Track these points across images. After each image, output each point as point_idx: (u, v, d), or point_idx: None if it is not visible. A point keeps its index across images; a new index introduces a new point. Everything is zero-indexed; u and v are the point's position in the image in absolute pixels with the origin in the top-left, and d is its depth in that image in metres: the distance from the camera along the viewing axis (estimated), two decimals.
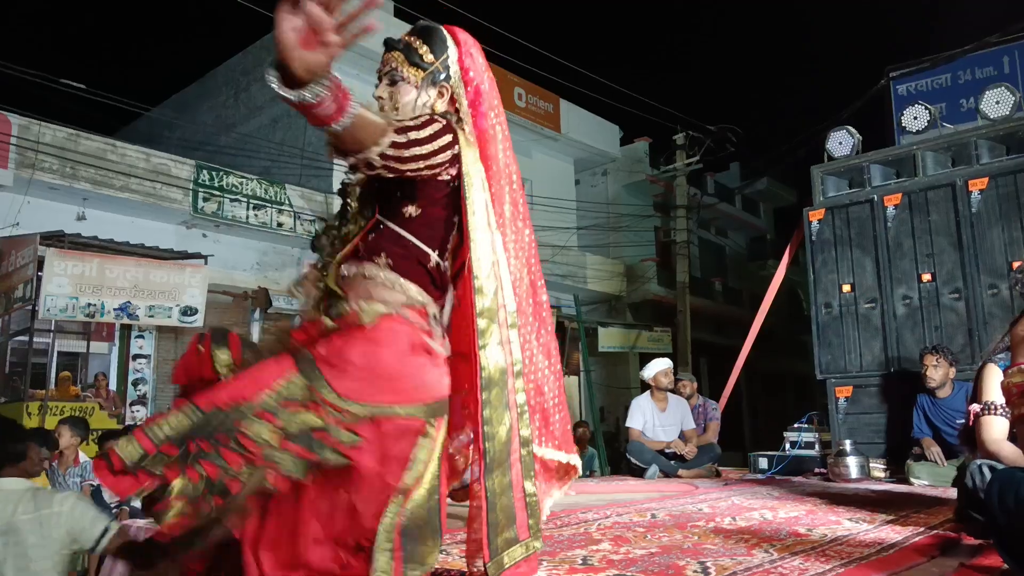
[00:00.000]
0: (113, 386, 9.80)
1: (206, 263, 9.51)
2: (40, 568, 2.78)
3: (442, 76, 1.87)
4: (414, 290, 1.70)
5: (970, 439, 2.70)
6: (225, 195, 10.96)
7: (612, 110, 17.60)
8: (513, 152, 2.06)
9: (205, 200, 10.76)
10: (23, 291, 8.41)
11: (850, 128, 6.23)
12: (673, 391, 6.13)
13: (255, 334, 11.84)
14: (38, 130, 9.44)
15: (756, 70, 50.56)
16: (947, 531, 2.72)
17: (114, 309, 8.34)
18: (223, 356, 1.62)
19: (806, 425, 5.88)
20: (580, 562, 2.24)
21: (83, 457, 5.58)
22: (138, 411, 9.96)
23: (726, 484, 5.09)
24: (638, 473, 5.66)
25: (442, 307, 1.81)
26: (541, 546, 1.85)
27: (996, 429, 2.53)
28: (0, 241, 9.08)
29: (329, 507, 1.46)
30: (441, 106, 1.87)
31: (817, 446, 5.73)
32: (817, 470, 5.56)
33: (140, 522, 3.07)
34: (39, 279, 8.03)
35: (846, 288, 5.88)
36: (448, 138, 1.71)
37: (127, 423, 8.52)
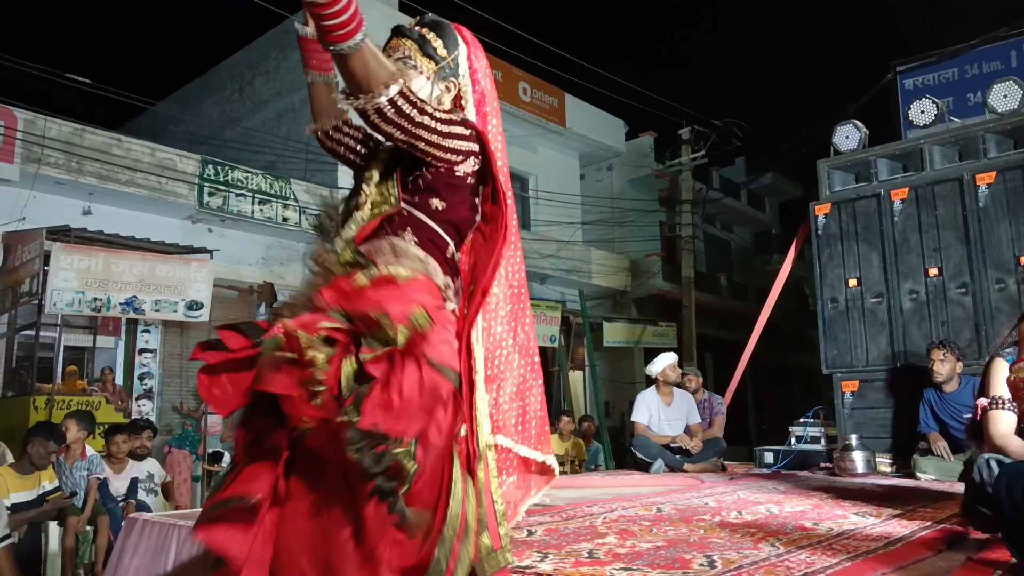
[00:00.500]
0: (119, 380, 9.82)
1: (212, 257, 9.51)
2: None
3: (451, 72, 1.87)
4: (437, 269, 1.70)
5: (977, 433, 2.69)
6: (230, 190, 10.96)
7: (617, 105, 17.56)
8: (507, 156, 2.07)
9: (210, 195, 10.76)
10: (29, 285, 8.43)
11: (856, 122, 6.20)
12: (679, 385, 6.12)
13: None
14: (44, 125, 9.45)
15: (761, 64, 50.41)
16: (954, 525, 2.72)
17: (120, 303, 8.36)
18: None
19: (812, 420, 5.87)
20: (586, 555, 2.24)
21: (90, 451, 5.60)
22: (144, 405, 9.98)
23: (732, 478, 5.09)
24: (643, 467, 5.67)
25: (455, 293, 1.81)
26: (513, 563, 1.79)
27: (1004, 423, 2.52)
28: (6, 236, 9.10)
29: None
30: (447, 102, 1.87)
31: (823, 441, 5.72)
32: (823, 464, 5.55)
33: (146, 515, 3.08)
34: (45, 274, 8.05)
35: (852, 283, 5.86)
36: (466, 132, 1.73)
37: (133, 417, 8.55)
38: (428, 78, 1.83)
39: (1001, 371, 2.61)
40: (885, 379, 5.62)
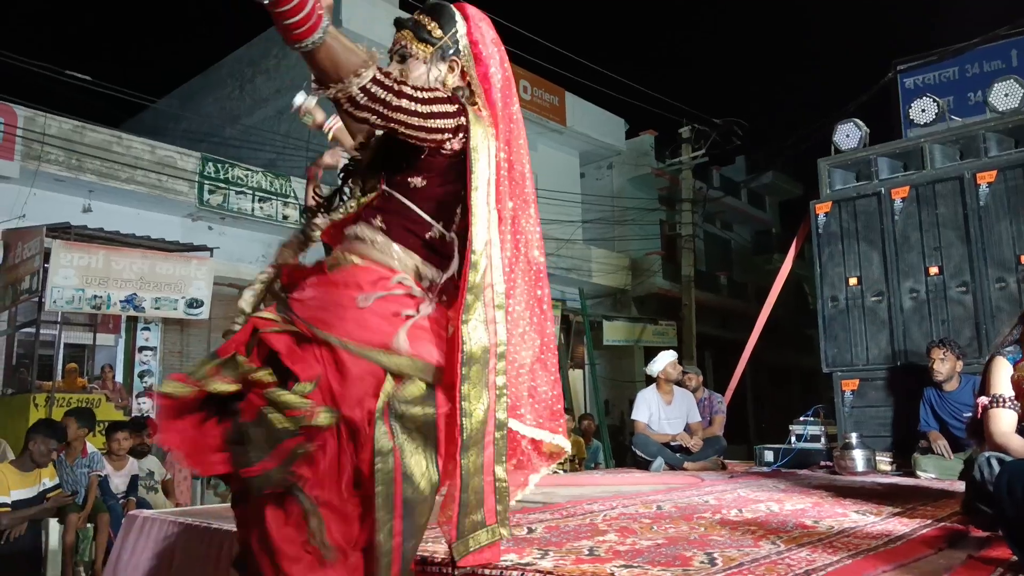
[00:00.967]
0: (119, 378, 9.82)
1: (212, 255, 9.51)
2: None
3: (451, 51, 1.86)
4: (402, 254, 1.73)
5: (978, 432, 2.69)
6: (231, 187, 10.96)
7: (618, 103, 17.53)
8: (525, 133, 2.04)
9: (211, 192, 10.77)
10: (30, 283, 8.42)
11: (857, 121, 6.20)
12: (680, 383, 6.12)
13: None
14: (44, 122, 9.45)
15: (762, 63, 50.40)
16: (954, 523, 2.72)
17: (120, 301, 8.36)
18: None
19: (812, 418, 5.86)
20: (586, 552, 2.24)
21: (91, 448, 5.60)
22: (144, 403, 9.98)
23: (732, 477, 5.09)
24: (643, 466, 5.67)
25: (443, 276, 1.79)
26: (508, 534, 1.83)
27: (1004, 422, 2.52)
28: (7, 233, 9.09)
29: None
30: (453, 80, 1.87)
31: (823, 439, 5.72)
32: (823, 463, 5.55)
33: (147, 512, 3.08)
34: (45, 271, 8.04)
35: (853, 281, 5.86)
36: (451, 108, 1.71)
37: (133, 415, 8.54)
38: (425, 62, 1.83)
39: (1002, 369, 2.61)
40: (885, 378, 5.62)
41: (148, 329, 10.49)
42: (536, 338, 2.06)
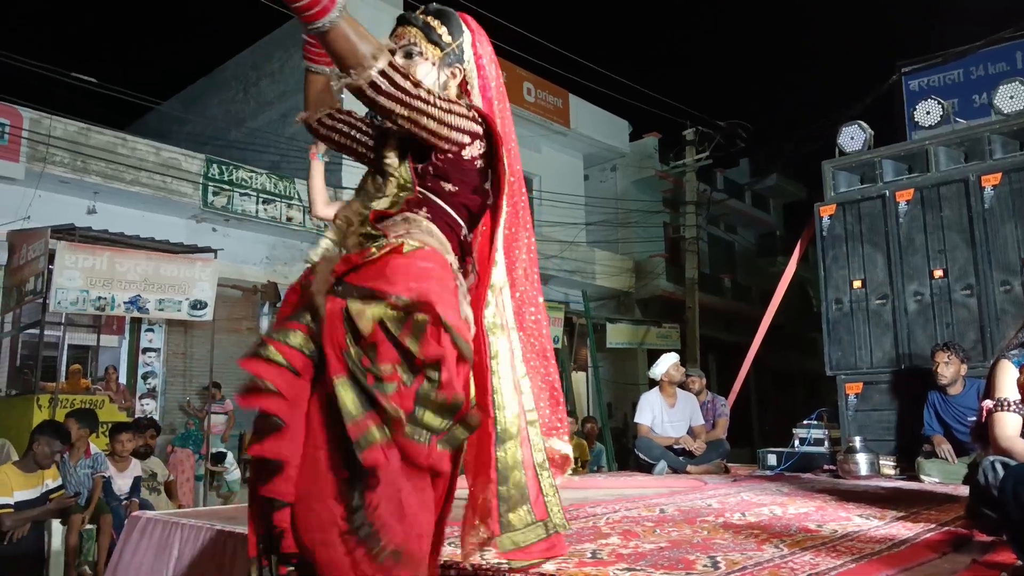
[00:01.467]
0: (123, 379, 9.84)
1: (216, 257, 9.52)
2: None
3: (456, 59, 1.87)
4: (448, 246, 1.72)
5: (982, 436, 2.68)
6: (235, 189, 10.98)
7: (622, 105, 17.56)
8: (517, 148, 2.06)
9: (215, 194, 10.78)
10: (34, 284, 8.44)
11: (862, 123, 6.19)
12: (683, 386, 6.11)
13: (264, 328, 11.89)
14: (49, 124, 9.48)
15: (766, 66, 50.33)
16: (959, 528, 2.70)
17: (124, 302, 8.37)
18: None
19: (815, 422, 5.85)
20: (589, 555, 2.23)
21: (94, 449, 5.61)
22: (147, 404, 10.00)
23: (735, 480, 5.08)
24: (646, 469, 5.65)
25: (465, 275, 1.81)
26: (566, 527, 1.84)
27: (1009, 426, 2.51)
28: (11, 234, 9.11)
29: None
30: (454, 87, 1.88)
31: (826, 443, 5.70)
32: (826, 467, 5.54)
33: (149, 513, 3.08)
34: (50, 272, 8.05)
35: (857, 284, 5.85)
36: (467, 112, 1.73)
37: (136, 416, 8.56)
38: (433, 64, 1.83)
39: (1007, 373, 2.60)
40: (889, 381, 5.60)
41: (152, 331, 10.51)
42: (536, 359, 2.07)
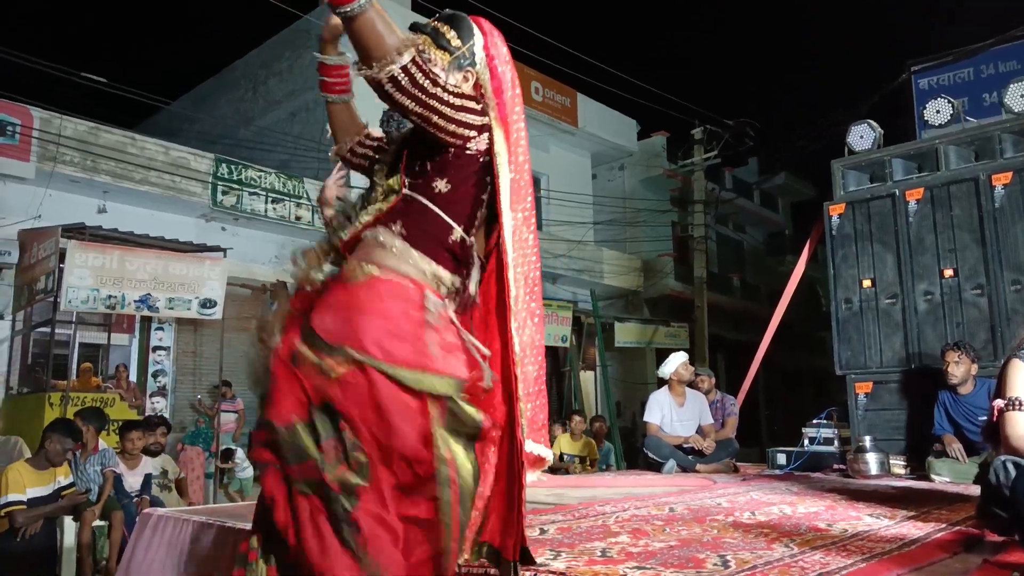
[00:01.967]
0: (133, 377, 9.89)
1: (225, 256, 9.56)
2: None
3: (467, 62, 1.87)
4: (420, 260, 1.71)
5: (993, 435, 2.67)
6: (244, 188, 11.02)
7: (629, 104, 17.53)
8: (528, 151, 2.05)
9: (224, 193, 10.82)
10: (45, 283, 8.49)
11: (871, 122, 6.16)
12: (692, 385, 6.10)
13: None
14: (59, 123, 9.53)
15: (774, 65, 50.19)
16: (970, 527, 2.69)
17: (134, 301, 8.41)
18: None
19: (825, 421, 5.83)
20: (599, 554, 2.24)
21: (102, 444, 5.65)
22: (158, 402, 10.04)
23: (744, 479, 5.07)
24: (655, 468, 5.65)
25: (464, 282, 1.80)
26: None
27: (1021, 425, 2.49)
28: (22, 233, 9.17)
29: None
30: (467, 90, 1.87)
31: (836, 442, 5.68)
32: (836, 466, 5.52)
33: (161, 510, 3.10)
34: (61, 271, 8.10)
35: (866, 283, 5.83)
36: (476, 106, 1.75)
37: (147, 414, 8.60)
38: (443, 69, 1.83)
39: (1018, 372, 2.59)
40: (899, 381, 5.59)
41: (162, 329, 10.56)
42: (531, 353, 2.07)
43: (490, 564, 1.77)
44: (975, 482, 3.85)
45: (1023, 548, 2.06)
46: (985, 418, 3.60)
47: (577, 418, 9.18)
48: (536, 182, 15.98)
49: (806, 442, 5.74)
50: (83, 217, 8.98)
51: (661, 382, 6.14)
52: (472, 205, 1.79)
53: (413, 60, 1.59)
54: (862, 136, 6.14)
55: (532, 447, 2.04)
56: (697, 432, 5.86)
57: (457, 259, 1.78)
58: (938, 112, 5.99)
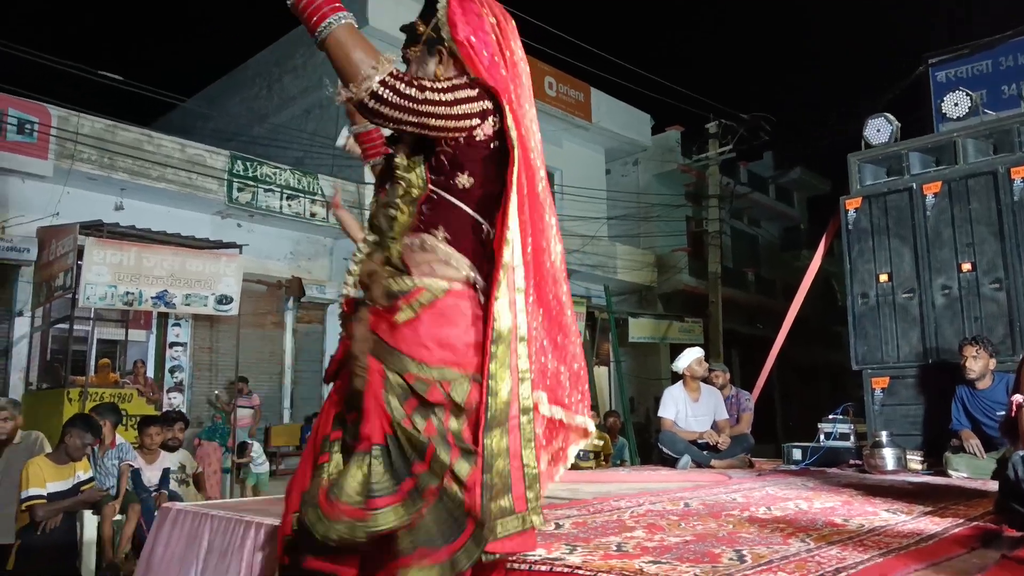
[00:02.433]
0: (151, 373, 9.98)
1: (241, 252, 9.62)
2: None
3: (435, 40, 1.81)
4: (467, 265, 1.73)
5: (1011, 431, 2.66)
6: (259, 185, 11.08)
7: (643, 99, 17.43)
8: (534, 108, 1.92)
9: (239, 190, 10.88)
10: (63, 280, 8.58)
11: (888, 115, 6.11)
12: (706, 380, 6.09)
13: (289, 322, 11.99)
14: (77, 121, 9.61)
15: (790, 57, 49.85)
16: (988, 523, 2.68)
17: (152, 297, 8.48)
18: None
19: (841, 416, 5.80)
20: (615, 548, 2.24)
21: (119, 439, 5.70)
22: (175, 398, 10.14)
23: (759, 474, 5.05)
24: (670, 463, 5.64)
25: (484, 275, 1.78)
26: (541, 524, 1.76)
27: None
28: (41, 231, 9.26)
29: None
30: (447, 68, 1.81)
31: (852, 437, 5.65)
32: (852, 462, 5.49)
33: (180, 504, 3.13)
34: (79, 268, 8.18)
35: (883, 278, 5.79)
36: (472, 92, 1.69)
37: (164, 409, 8.68)
38: (417, 61, 1.81)
39: None
40: (916, 375, 5.55)
41: (179, 325, 10.65)
42: (556, 326, 2.00)
43: None
44: (993, 477, 3.82)
45: None
46: (1003, 413, 3.58)
47: (591, 413, 9.17)
48: (550, 177, 15.88)
49: (822, 437, 5.72)
50: (100, 214, 9.06)
51: (676, 377, 6.13)
52: (494, 199, 1.75)
53: (392, 73, 1.56)
54: (879, 130, 6.09)
55: (561, 414, 2.00)
56: (712, 427, 5.84)
57: (486, 252, 1.76)
58: (956, 105, 5.94)
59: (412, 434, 1.60)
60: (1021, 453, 2.37)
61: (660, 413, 5.97)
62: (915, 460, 5.13)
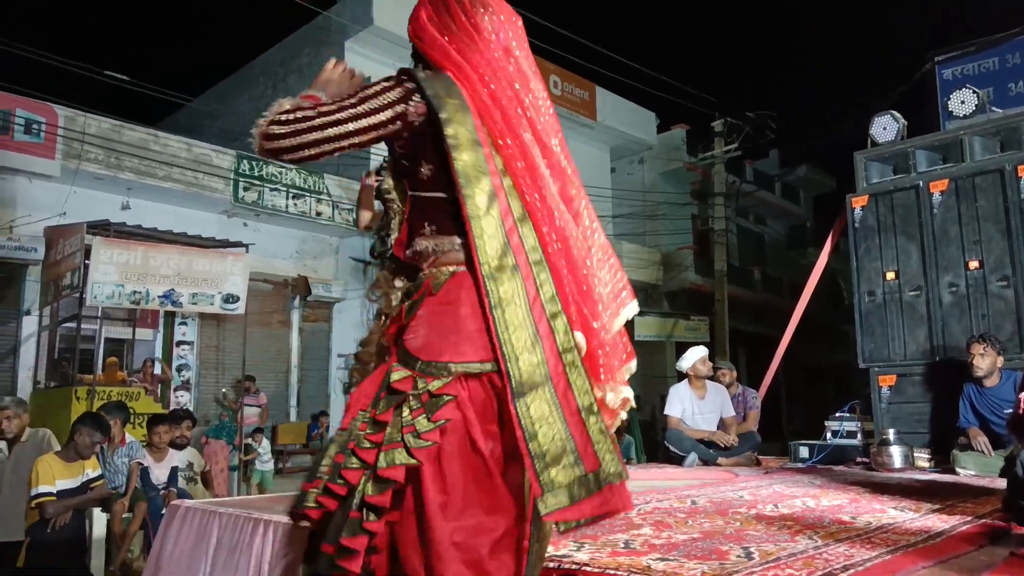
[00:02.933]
0: (158, 371, 10.01)
1: (247, 251, 9.65)
2: None
3: (415, 54, 1.82)
4: (458, 244, 1.65)
5: (1019, 428, 2.65)
6: (265, 184, 11.11)
7: (649, 97, 17.43)
8: (519, 63, 1.82)
9: (245, 189, 10.91)
10: (71, 279, 8.62)
11: (894, 113, 6.10)
12: (712, 379, 6.08)
13: (295, 321, 12.02)
14: (83, 121, 9.65)
15: (796, 55, 49.73)
16: (996, 520, 2.68)
17: (159, 296, 8.52)
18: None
19: (848, 414, 5.79)
20: (622, 545, 2.25)
21: (129, 437, 5.73)
22: (182, 396, 10.17)
23: (766, 472, 5.05)
24: (676, 461, 5.64)
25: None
26: (621, 475, 1.61)
27: None
28: (48, 230, 9.31)
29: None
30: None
31: (859, 435, 5.65)
32: (859, 459, 5.48)
33: (188, 502, 3.14)
34: (86, 267, 8.22)
35: (890, 276, 5.78)
36: (380, 87, 1.63)
37: (172, 407, 8.71)
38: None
39: None
40: (923, 373, 5.54)
41: (185, 324, 10.69)
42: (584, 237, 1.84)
43: None
44: (1001, 475, 3.81)
45: None
46: (1011, 411, 3.57)
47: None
48: None
49: (829, 435, 5.71)
50: (107, 214, 9.10)
51: (681, 375, 6.13)
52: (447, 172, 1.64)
53: (277, 109, 1.60)
54: (885, 128, 6.08)
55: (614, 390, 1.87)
56: (719, 425, 5.84)
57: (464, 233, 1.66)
58: (963, 102, 5.92)
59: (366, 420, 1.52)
60: None
61: (666, 411, 5.97)
62: (922, 458, 5.12)
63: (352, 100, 1.61)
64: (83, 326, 8.89)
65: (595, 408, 1.62)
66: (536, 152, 1.74)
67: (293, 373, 12.01)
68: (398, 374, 1.53)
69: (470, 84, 1.69)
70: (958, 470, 4.59)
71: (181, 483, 5.86)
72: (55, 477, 4.48)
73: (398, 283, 1.75)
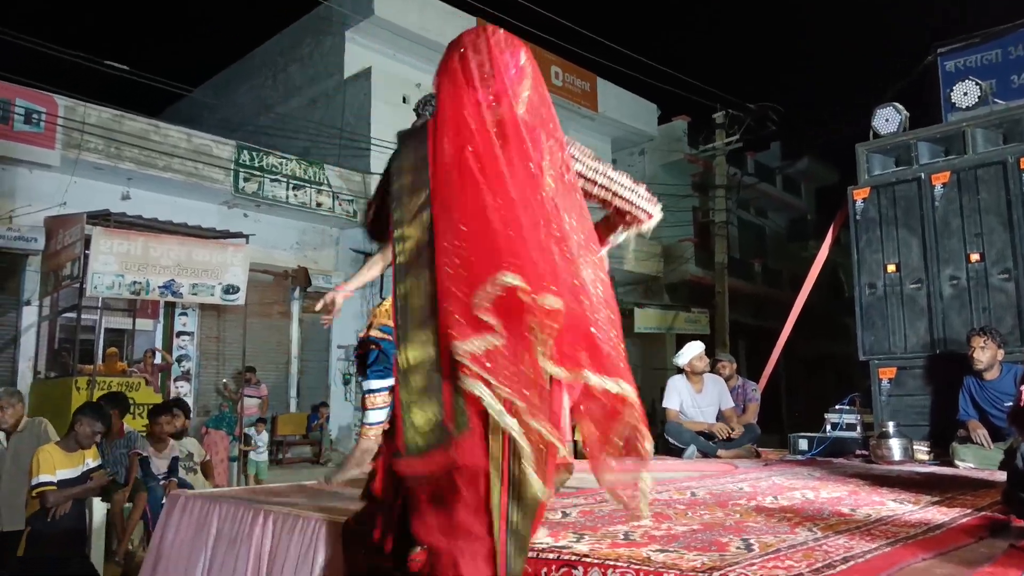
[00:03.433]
0: (158, 361, 10.02)
1: (247, 242, 9.64)
2: None
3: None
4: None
5: (1019, 421, 2.65)
6: (265, 175, 11.09)
7: (650, 88, 17.36)
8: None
9: (246, 180, 10.90)
10: (71, 269, 8.61)
11: (897, 105, 6.08)
12: (712, 371, 6.07)
13: (295, 312, 12.02)
14: (84, 111, 9.63)
15: (798, 47, 49.58)
16: (995, 513, 2.68)
17: (159, 287, 8.51)
18: None
19: (847, 406, 5.78)
20: (622, 536, 2.25)
21: (127, 427, 5.74)
22: (182, 387, 10.18)
23: (766, 464, 5.05)
24: (676, 453, 5.64)
25: None
26: (466, 426, 1.66)
27: None
28: (48, 220, 9.30)
29: None
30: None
31: (859, 428, 5.64)
32: (858, 452, 5.48)
33: (188, 491, 3.15)
34: (86, 257, 8.21)
35: (891, 268, 5.77)
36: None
37: (171, 397, 8.72)
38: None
39: None
40: (924, 366, 5.53)
41: (185, 314, 10.69)
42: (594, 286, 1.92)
43: None
44: (1000, 468, 3.82)
45: None
46: (1011, 404, 3.57)
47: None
48: None
49: (828, 428, 5.70)
50: (107, 204, 9.09)
51: (678, 370, 6.12)
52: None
53: None
54: (887, 119, 6.05)
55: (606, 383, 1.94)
56: (718, 418, 5.84)
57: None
58: (965, 94, 5.90)
59: None
60: None
61: (665, 404, 5.97)
62: (922, 451, 5.12)
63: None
64: (83, 316, 8.89)
65: (458, 369, 1.67)
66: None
67: (293, 364, 12.02)
68: None
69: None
70: (957, 463, 4.59)
71: (181, 473, 5.87)
72: (56, 467, 4.49)
73: None
